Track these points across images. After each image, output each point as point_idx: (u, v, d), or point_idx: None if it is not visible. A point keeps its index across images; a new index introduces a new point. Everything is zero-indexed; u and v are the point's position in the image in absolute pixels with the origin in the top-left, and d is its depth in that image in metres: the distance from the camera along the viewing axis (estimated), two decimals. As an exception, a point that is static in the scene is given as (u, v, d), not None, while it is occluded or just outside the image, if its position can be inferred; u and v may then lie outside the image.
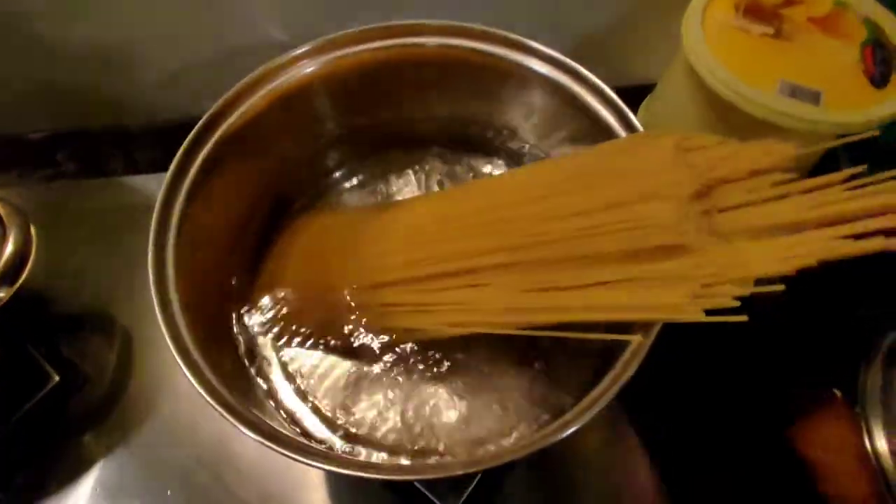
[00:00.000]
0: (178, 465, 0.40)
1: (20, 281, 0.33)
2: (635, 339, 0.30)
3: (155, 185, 0.52)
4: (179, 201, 0.35)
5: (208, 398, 0.29)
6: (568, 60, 0.40)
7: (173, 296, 0.33)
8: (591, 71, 0.40)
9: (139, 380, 0.43)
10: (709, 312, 0.28)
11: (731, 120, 0.41)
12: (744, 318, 0.27)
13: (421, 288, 0.36)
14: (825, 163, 0.44)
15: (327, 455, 0.30)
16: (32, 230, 0.34)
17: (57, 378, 0.41)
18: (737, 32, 0.42)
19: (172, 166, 0.36)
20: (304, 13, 0.50)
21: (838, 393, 0.37)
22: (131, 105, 0.56)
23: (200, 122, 0.37)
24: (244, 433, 0.28)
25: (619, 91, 0.39)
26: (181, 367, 0.30)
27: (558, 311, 0.31)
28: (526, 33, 0.41)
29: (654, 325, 0.30)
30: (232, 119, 0.38)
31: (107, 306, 0.46)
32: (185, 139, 0.37)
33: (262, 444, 0.28)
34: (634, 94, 0.45)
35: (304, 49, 0.40)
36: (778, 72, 0.39)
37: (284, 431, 0.30)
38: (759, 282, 0.28)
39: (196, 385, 0.29)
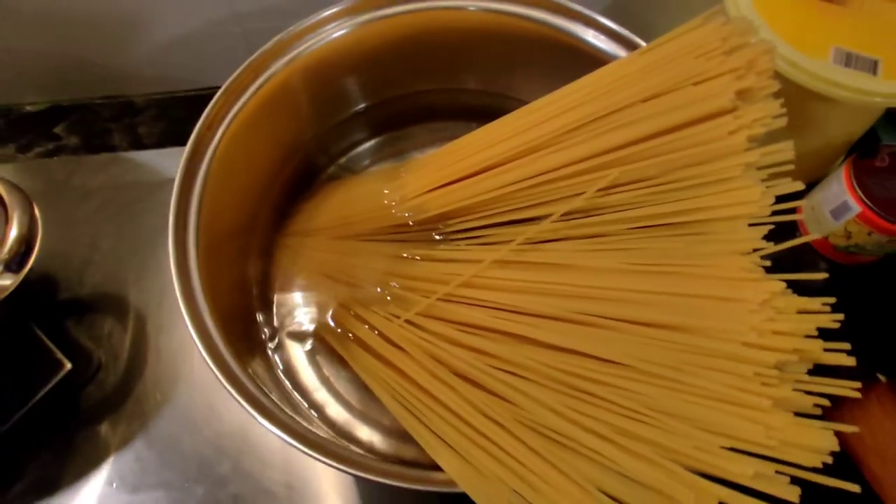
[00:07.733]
0: (197, 454, 0.39)
1: (27, 267, 0.30)
2: None
3: (161, 161, 0.51)
4: (199, 178, 0.34)
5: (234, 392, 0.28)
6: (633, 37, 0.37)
7: (195, 279, 0.31)
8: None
9: (154, 365, 0.41)
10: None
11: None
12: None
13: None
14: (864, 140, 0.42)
15: (361, 463, 0.28)
16: (37, 211, 0.32)
17: (69, 365, 0.40)
18: (784, -8, 0.39)
19: (190, 143, 0.34)
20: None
21: (883, 378, 0.36)
22: (134, 76, 0.53)
23: (217, 96, 0.35)
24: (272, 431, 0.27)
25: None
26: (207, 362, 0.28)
27: None
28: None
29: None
30: (251, 91, 0.36)
31: (117, 288, 0.44)
32: (191, 112, 0.35)
33: (291, 444, 0.27)
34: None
35: (328, 12, 0.37)
36: (831, 38, 0.37)
37: (311, 427, 0.29)
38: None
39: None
